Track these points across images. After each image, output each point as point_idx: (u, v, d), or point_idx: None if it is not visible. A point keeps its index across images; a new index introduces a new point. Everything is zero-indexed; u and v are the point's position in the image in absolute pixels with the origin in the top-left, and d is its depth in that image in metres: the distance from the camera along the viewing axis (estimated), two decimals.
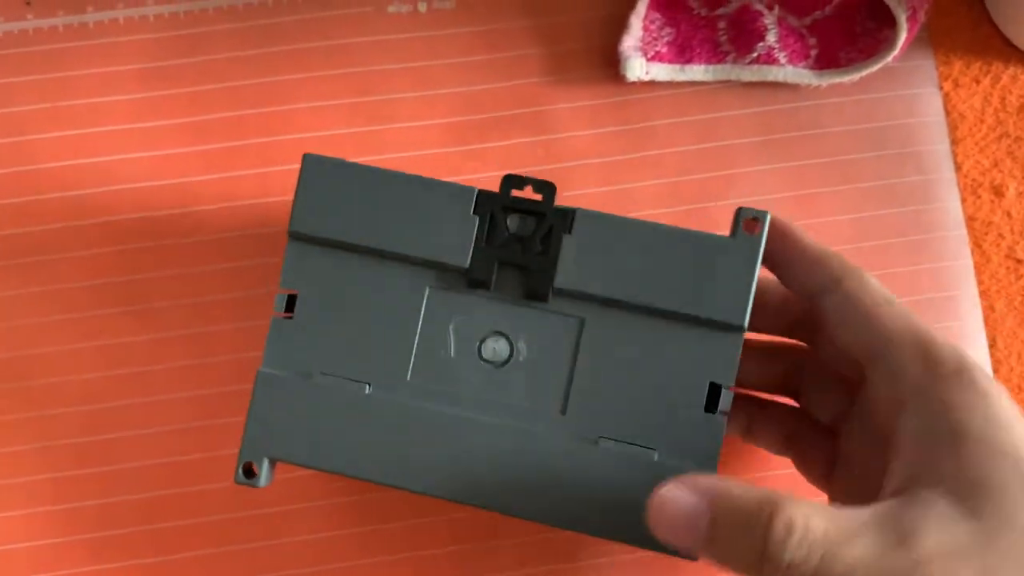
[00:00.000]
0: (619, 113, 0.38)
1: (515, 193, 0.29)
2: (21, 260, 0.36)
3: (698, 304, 0.28)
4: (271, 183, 0.37)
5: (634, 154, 0.37)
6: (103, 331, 0.36)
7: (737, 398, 0.33)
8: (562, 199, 0.33)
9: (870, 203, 0.37)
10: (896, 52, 0.36)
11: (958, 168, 0.38)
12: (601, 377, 0.28)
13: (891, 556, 0.23)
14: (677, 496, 0.25)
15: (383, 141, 0.37)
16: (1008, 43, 0.39)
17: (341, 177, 0.29)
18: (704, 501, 0.25)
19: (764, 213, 0.28)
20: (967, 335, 0.37)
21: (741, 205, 0.28)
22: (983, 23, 0.39)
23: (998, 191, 0.38)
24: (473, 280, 0.28)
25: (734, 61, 0.37)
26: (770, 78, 0.37)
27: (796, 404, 0.33)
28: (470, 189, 0.29)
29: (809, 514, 0.23)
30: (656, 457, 0.28)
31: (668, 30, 0.38)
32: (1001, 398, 0.25)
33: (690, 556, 0.26)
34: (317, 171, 0.29)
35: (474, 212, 0.28)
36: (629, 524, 0.27)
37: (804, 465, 0.32)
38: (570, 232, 0.28)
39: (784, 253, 0.29)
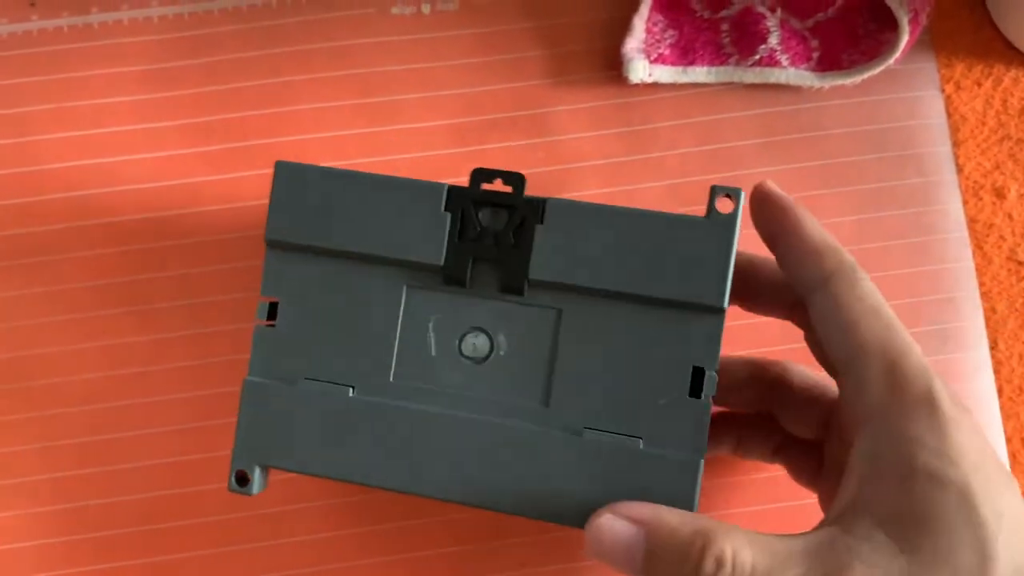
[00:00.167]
0: (621, 115, 0.38)
1: (485, 187, 0.28)
2: (24, 260, 0.37)
3: (676, 287, 0.27)
4: None
5: (636, 156, 0.37)
6: (105, 331, 0.36)
7: (723, 415, 0.33)
8: None
9: (871, 205, 0.37)
10: (898, 54, 0.36)
11: (959, 170, 0.38)
12: (582, 368, 0.28)
13: None
14: (614, 527, 0.25)
15: (386, 142, 0.37)
16: (1010, 46, 0.39)
17: (313, 182, 0.29)
18: (641, 532, 0.25)
19: (737, 190, 0.27)
20: (968, 337, 0.37)
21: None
22: (985, 26, 0.39)
23: (999, 193, 0.38)
24: (448, 277, 0.28)
25: (736, 63, 0.37)
26: (772, 80, 0.37)
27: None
28: (440, 186, 0.28)
29: (740, 547, 0.23)
30: (641, 445, 0.27)
31: (671, 32, 0.38)
32: (960, 431, 0.24)
33: None
34: (289, 178, 0.29)
35: (445, 209, 0.28)
36: None
37: (795, 472, 0.32)
38: (542, 222, 0.28)
39: (783, 239, 0.28)
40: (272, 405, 0.29)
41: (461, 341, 0.29)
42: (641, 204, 0.37)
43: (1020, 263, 0.38)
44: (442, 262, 0.28)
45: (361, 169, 0.29)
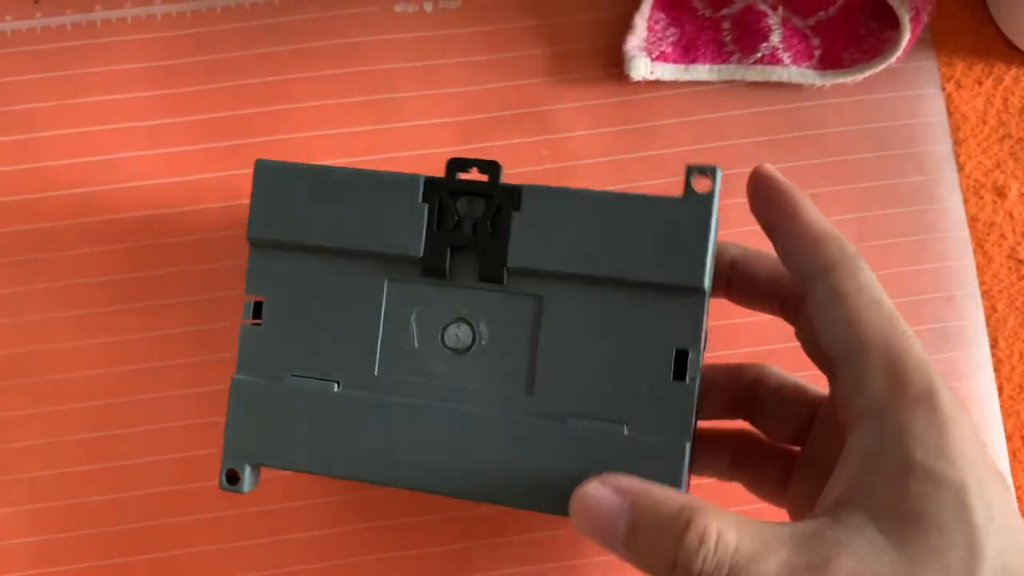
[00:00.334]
0: (623, 113, 0.38)
1: (462, 176, 0.28)
2: (27, 257, 0.37)
3: (656, 270, 0.27)
4: None
5: (638, 153, 0.38)
6: (108, 328, 0.36)
7: None
8: None
9: (872, 203, 0.37)
10: (899, 53, 0.36)
11: (960, 169, 0.38)
12: (564, 354, 0.28)
13: None
14: (599, 495, 0.25)
15: (388, 140, 0.37)
16: (1011, 45, 0.39)
17: (293, 180, 0.29)
18: (626, 502, 0.24)
19: (714, 168, 0.27)
20: (969, 335, 0.37)
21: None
22: (986, 25, 0.39)
23: (1000, 192, 0.38)
24: (428, 268, 0.28)
25: (738, 61, 0.37)
26: (774, 78, 0.37)
27: (748, 426, 0.32)
28: (417, 177, 0.28)
29: (725, 526, 0.23)
30: (625, 431, 0.27)
31: (673, 30, 0.38)
32: (959, 430, 0.24)
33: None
34: (269, 176, 0.29)
35: (423, 200, 0.28)
36: None
37: (754, 485, 0.32)
38: (519, 209, 0.28)
39: (781, 225, 0.27)
40: (260, 403, 0.29)
41: (444, 332, 0.29)
42: None
43: (1021, 261, 0.38)
44: (421, 254, 0.28)
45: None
